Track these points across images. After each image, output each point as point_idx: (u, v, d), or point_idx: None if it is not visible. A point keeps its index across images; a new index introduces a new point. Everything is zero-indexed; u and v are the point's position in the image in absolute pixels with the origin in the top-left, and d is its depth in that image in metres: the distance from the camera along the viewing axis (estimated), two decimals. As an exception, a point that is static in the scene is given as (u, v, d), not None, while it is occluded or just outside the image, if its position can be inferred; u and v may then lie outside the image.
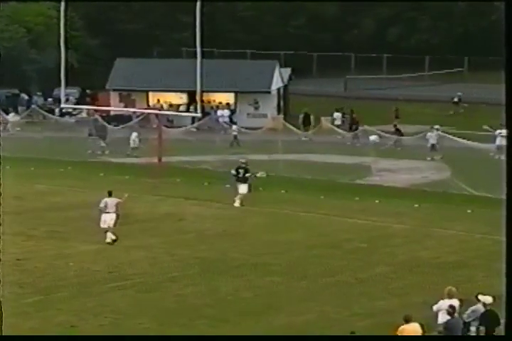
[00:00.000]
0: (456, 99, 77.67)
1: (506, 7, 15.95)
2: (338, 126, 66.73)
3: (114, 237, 36.61)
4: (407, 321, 22.84)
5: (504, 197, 14.34)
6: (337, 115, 71.31)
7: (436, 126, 59.12)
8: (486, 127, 59.47)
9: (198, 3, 48.28)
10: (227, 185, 45.65)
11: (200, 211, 40.65)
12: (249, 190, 44.52)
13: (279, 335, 21.12)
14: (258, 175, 46.37)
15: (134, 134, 57.88)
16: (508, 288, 14.10)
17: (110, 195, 37.26)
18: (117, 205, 36.94)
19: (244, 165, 45.20)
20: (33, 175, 51.42)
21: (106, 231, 36.67)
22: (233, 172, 44.59)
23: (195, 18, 48.60)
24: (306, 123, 68.70)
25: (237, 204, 43.89)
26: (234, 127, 64.31)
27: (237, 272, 33.20)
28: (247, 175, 44.67)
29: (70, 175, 51.53)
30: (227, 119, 70.03)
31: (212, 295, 30.65)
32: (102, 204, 36.91)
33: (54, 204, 44.01)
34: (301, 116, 69.90)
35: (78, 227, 39.62)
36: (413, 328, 22.77)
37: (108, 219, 36.68)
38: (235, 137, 62.47)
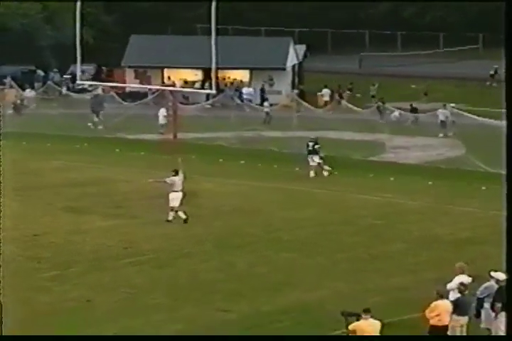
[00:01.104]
0: (492, 72, 77.53)
1: (506, 7, 15.75)
2: (325, 102, 68.20)
3: (184, 216, 36.43)
4: (442, 297, 22.86)
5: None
6: (325, 91, 72.43)
7: (452, 105, 59.16)
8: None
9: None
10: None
11: (215, 187, 40.67)
12: (323, 160, 46.06)
13: (279, 335, 20.66)
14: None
15: (162, 110, 57.71)
16: (508, 288, 13.78)
17: (177, 173, 36.92)
18: (183, 188, 36.80)
19: (314, 140, 46.59)
20: (50, 151, 51.53)
21: (172, 209, 36.47)
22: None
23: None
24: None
25: (312, 174, 45.30)
26: (265, 104, 64.41)
27: (251, 248, 33.27)
28: (317, 146, 45.90)
29: (86, 152, 51.65)
30: (253, 97, 70.11)
31: (227, 271, 30.69)
32: (169, 182, 36.72)
33: (71, 180, 44.12)
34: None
35: (94, 203, 39.75)
36: (446, 304, 22.76)
37: (176, 198, 36.55)
38: (267, 113, 62.56)
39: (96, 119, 62.38)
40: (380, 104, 62.99)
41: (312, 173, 45.69)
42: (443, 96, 67.53)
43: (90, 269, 30.67)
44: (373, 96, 70.24)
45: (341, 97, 70.09)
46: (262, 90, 71.99)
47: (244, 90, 71.25)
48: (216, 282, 29.44)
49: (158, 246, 33.46)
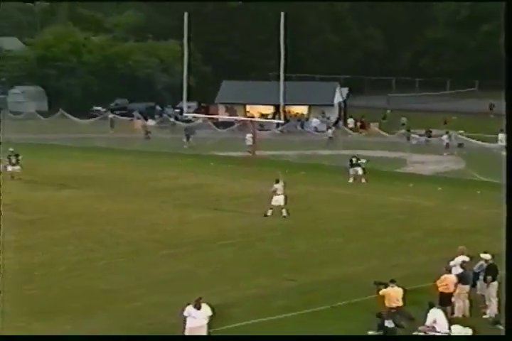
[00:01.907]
0: (488, 106, 77.38)
1: (506, 7, 13.89)
2: (350, 129, 67.13)
3: (285, 214, 36.16)
4: (449, 271, 22.90)
5: (503, 182, 13.44)
6: (351, 120, 71.99)
7: (461, 131, 58.95)
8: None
9: (282, 44, 48.52)
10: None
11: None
12: (364, 171, 45.71)
13: (280, 336, 20.25)
14: (364, 161, 46.21)
15: (249, 135, 57.62)
16: (508, 290, 12.85)
17: (277, 182, 36.78)
18: (284, 188, 36.65)
19: (357, 156, 46.59)
20: (164, 164, 51.78)
21: (271, 207, 36.22)
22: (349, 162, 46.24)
23: (280, 52, 48.94)
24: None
25: (351, 180, 45.25)
26: (329, 131, 64.19)
27: (307, 235, 33.18)
28: (360, 161, 46.03)
29: (189, 165, 51.80)
30: (319, 126, 70.34)
31: (291, 251, 30.73)
32: (272, 189, 36.54)
33: (178, 185, 44.30)
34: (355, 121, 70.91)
35: (196, 201, 39.94)
36: (452, 277, 22.92)
37: (280, 199, 36.28)
38: (330, 138, 62.39)
39: (186, 141, 62.61)
40: (405, 131, 62.60)
41: (351, 180, 45.44)
42: (453, 125, 66.80)
43: (193, 249, 30.83)
44: (403, 124, 69.59)
45: (363, 125, 70.24)
46: (337, 121, 72.44)
47: (313, 121, 71.53)
48: (283, 259, 29.49)
49: (241, 233, 33.51)
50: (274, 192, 36.59)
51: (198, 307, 20.38)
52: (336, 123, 69.56)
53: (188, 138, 62.91)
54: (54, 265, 28.29)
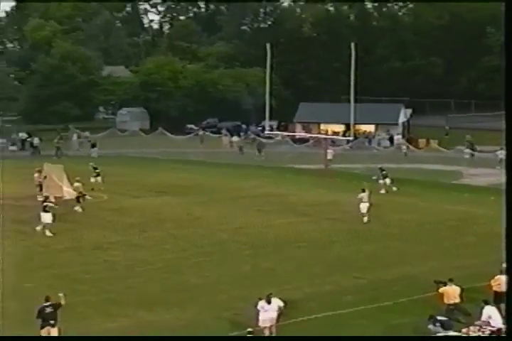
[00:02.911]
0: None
1: (506, 7, 12.62)
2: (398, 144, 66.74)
3: (366, 220, 35.74)
4: (501, 272, 22.22)
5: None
6: (397, 137, 71.07)
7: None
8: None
9: (352, 71, 48.30)
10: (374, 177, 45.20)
11: (350, 199, 40.18)
12: (392, 181, 44.78)
13: (280, 336, 19.75)
14: (375, 177, 45.32)
15: (330, 151, 57.44)
16: (508, 290, 12.15)
17: (364, 191, 36.48)
18: (370, 199, 36.27)
19: (380, 167, 45.79)
20: (249, 175, 51.98)
21: (363, 215, 35.82)
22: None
23: (350, 77, 48.72)
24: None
25: (383, 191, 44.00)
26: (404, 147, 63.67)
27: (375, 239, 32.87)
28: (384, 172, 45.22)
29: (269, 176, 51.80)
30: (383, 142, 70.40)
31: (360, 253, 30.49)
32: (359, 197, 36.26)
33: (260, 193, 44.30)
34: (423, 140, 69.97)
35: (275, 208, 39.90)
36: (504, 278, 22.13)
37: (365, 207, 35.94)
38: (406, 154, 61.67)
39: (258, 154, 63.24)
40: (466, 147, 61.78)
41: (383, 191, 44.16)
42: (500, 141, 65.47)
43: (273, 250, 30.80)
44: (468, 141, 68.34)
45: (428, 142, 69.34)
46: (391, 138, 71.81)
47: (378, 137, 71.42)
48: (352, 260, 29.26)
49: (316, 236, 33.38)
50: (361, 200, 36.30)
51: (269, 301, 20.50)
52: (406, 140, 69.28)
53: (259, 152, 63.55)
54: (153, 262, 28.57)
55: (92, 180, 44.13)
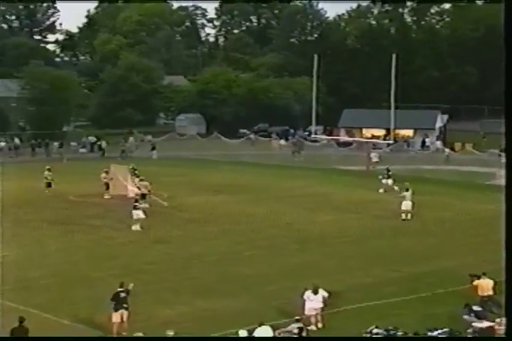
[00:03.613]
0: None
1: (506, 7, 11.56)
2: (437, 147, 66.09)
3: (409, 217, 35.47)
4: None
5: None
6: (434, 141, 69.94)
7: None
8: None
9: (393, 79, 47.87)
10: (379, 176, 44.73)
11: (390, 198, 39.71)
12: (394, 181, 43.80)
13: (279, 336, 18.77)
14: (380, 177, 44.88)
15: (374, 154, 56.92)
16: (508, 290, 11.50)
17: (407, 190, 36.24)
18: (412, 198, 35.92)
19: (387, 168, 45.33)
20: (295, 175, 51.87)
21: (403, 212, 35.57)
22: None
23: (391, 85, 48.31)
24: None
25: (381, 190, 43.57)
26: (446, 149, 62.96)
27: (412, 235, 32.54)
28: (389, 173, 44.75)
29: (315, 176, 51.65)
30: (421, 145, 69.97)
31: (397, 247, 30.20)
32: (401, 195, 36.06)
33: (306, 192, 44.02)
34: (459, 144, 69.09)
35: (320, 206, 39.73)
36: None
37: (408, 205, 35.64)
38: (447, 156, 60.72)
39: (297, 155, 63.23)
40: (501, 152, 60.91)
41: (382, 190, 43.68)
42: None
43: (318, 244, 30.67)
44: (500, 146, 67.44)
45: (463, 146, 68.38)
46: (423, 142, 71.13)
47: (427, 140, 70.94)
48: (392, 254, 28.97)
49: (358, 232, 33.14)
50: (404, 199, 35.95)
51: (315, 291, 20.39)
52: (444, 144, 68.55)
53: (298, 152, 63.97)
54: (208, 254, 28.64)
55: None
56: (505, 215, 11.37)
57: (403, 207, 35.81)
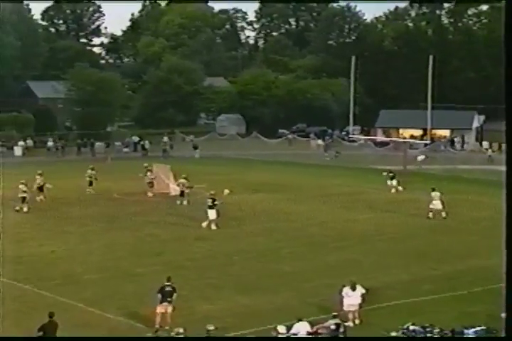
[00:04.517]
0: None
1: (506, 7, 11.27)
2: (485, 149, 65.22)
3: (444, 215, 35.23)
4: None
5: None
6: (485, 143, 69.16)
7: None
8: None
9: (430, 81, 47.41)
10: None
11: (427, 197, 39.25)
12: (398, 182, 43.59)
13: (280, 336, 18.14)
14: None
15: (421, 157, 56.50)
16: (508, 290, 11.26)
17: (434, 190, 35.93)
18: (441, 197, 35.58)
19: (389, 170, 45.39)
20: (332, 174, 51.67)
21: (431, 210, 35.31)
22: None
23: (427, 86, 47.88)
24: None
25: (393, 191, 43.28)
26: (489, 150, 62.29)
27: (449, 234, 32.23)
28: (391, 174, 44.26)
29: (352, 175, 51.43)
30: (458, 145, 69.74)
31: (436, 246, 29.90)
32: (432, 194, 35.73)
33: (343, 191, 43.91)
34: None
35: (358, 204, 39.45)
36: None
37: (437, 204, 35.41)
38: (490, 156, 60.05)
39: (327, 155, 63.26)
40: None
41: (394, 190, 43.36)
42: None
43: (356, 242, 30.49)
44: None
45: (500, 146, 67.50)
46: (461, 142, 70.69)
47: (456, 139, 70.74)
48: (429, 252, 28.68)
49: (395, 230, 32.91)
50: (433, 198, 35.64)
51: (353, 288, 20.28)
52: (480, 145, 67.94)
53: (327, 151, 64.54)
54: (248, 251, 28.64)
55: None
56: (505, 215, 11.16)
57: (431, 206, 35.47)
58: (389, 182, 44.20)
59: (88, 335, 18.58)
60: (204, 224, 32.70)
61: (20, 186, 36.25)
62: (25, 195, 36.06)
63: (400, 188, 43.81)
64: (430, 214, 35.44)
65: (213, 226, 32.65)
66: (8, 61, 79.06)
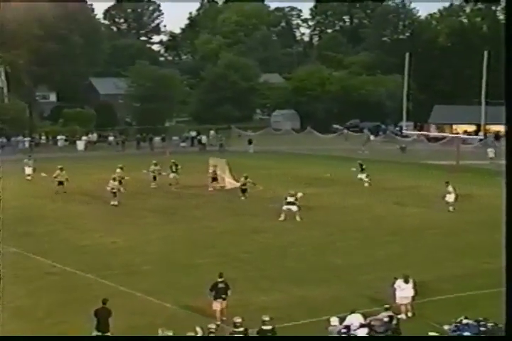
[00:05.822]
0: None
1: (506, 7, 11.08)
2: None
3: (451, 209, 34.92)
4: None
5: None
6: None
7: None
8: None
9: (484, 77, 46.53)
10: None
11: (479, 192, 38.54)
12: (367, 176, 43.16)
13: (278, 336, 17.47)
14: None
15: (491, 149, 55.64)
16: (508, 290, 10.79)
17: (448, 183, 35.57)
18: (454, 189, 35.26)
19: (359, 163, 44.35)
20: (385, 169, 51.12)
21: (447, 202, 35.10)
22: None
23: (481, 82, 47.03)
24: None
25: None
26: None
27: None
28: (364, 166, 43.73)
29: (406, 170, 50.81)
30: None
31: (488, 241, 29.29)
32: (448, 189, 35.34)
33: (397, 186, 43.41)
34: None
35: (410, 199, 38.89)
36: None
37: (451, 197, 35.11)
38: None
39: (363, 148, 62.82)
40: None
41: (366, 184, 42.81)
42: None
43: (408, 236, 30.00)
44: None
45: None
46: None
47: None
48: (481, 246, 27.97)
49: (447, 224, 32.43)
50: (449, 192, 35.19)
51: (406, 281, 20.05)
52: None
53: (363, 145, 64.28)
54: (302, 244, 28.56)
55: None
56: (505, 215, 10.72)
57: (447, 199, 35.06)
58: (359, 175, 43.56)
59: (145, 324, 18.76)
60: (281, 218, 32.75)
61: (112, 181, 36.81)
62: (115, 190, 36.60)
63: (367, 181, 42.95)
64: (450, 208, 34.99)
65: (298, 218, 32.66)
66: (72, 59, 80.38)
